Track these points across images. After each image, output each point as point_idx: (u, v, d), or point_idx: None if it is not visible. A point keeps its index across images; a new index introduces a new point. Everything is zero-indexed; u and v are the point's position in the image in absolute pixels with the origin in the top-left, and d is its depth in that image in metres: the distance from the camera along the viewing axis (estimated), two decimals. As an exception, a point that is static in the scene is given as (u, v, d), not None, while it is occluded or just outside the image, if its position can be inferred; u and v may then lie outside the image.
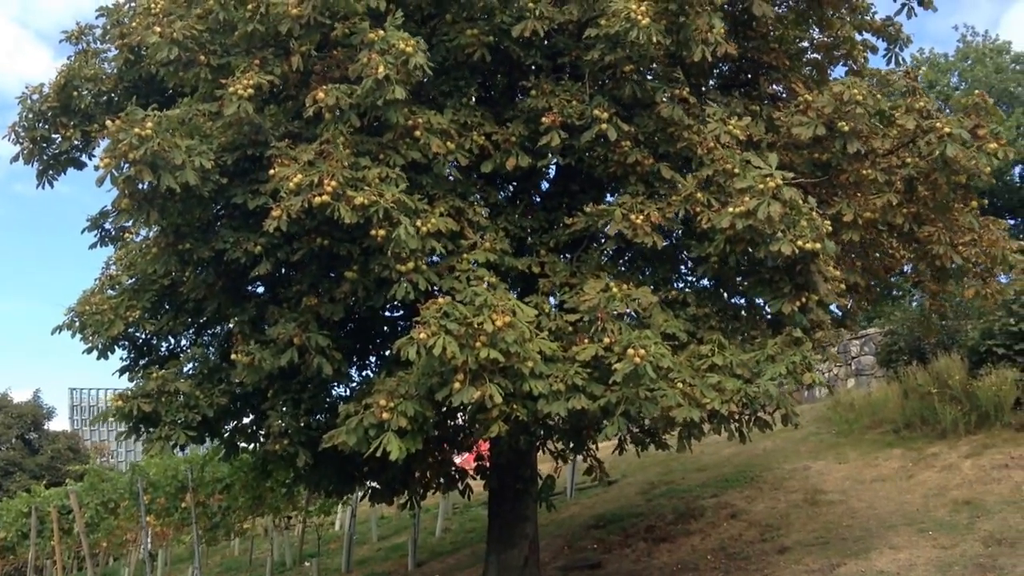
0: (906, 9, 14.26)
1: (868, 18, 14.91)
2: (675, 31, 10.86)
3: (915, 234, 12.95)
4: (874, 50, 15.10)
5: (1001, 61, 38.82)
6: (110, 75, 13.66)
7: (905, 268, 14.63)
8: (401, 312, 13.17)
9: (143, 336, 13.62)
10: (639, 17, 10.29)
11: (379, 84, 9.95)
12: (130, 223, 12.25)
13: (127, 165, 10.07)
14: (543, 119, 11.20)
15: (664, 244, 11.25)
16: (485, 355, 9.43)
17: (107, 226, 14.53)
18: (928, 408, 19.09)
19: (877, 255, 13.75)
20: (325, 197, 9.90)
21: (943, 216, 12.92)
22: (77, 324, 12.90)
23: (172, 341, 14.14)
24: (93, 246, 14.60)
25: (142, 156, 9.83)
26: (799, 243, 10.28)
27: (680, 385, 10.08)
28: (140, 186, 10.29)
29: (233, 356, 11.53)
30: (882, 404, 21.06)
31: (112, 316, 12.67)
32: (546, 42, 12.10)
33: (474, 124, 11.66)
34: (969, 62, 39.34)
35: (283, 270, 12.32)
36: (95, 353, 12.91)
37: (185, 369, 13.01)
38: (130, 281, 13.24)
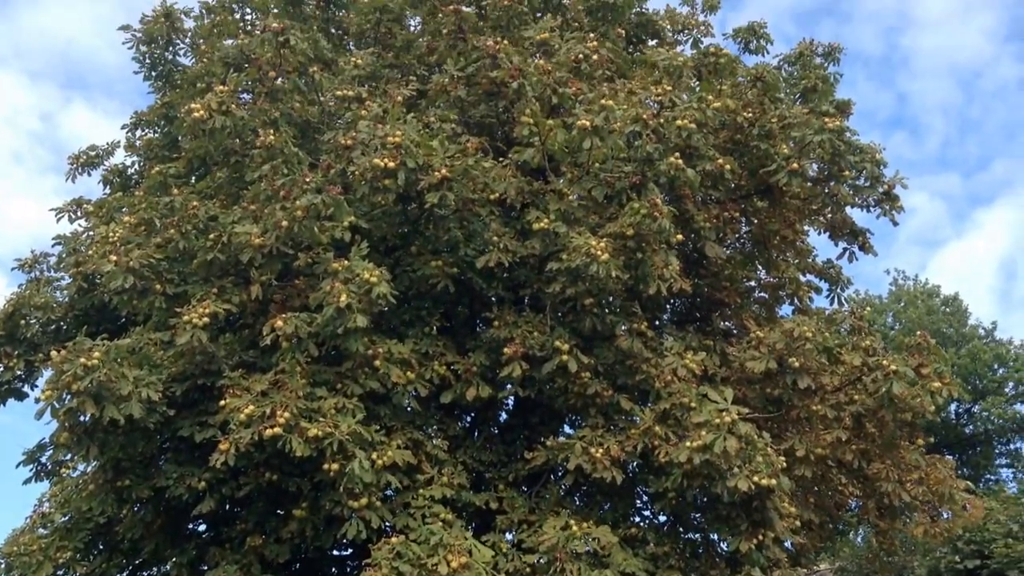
0: (848, 254, 14.82)
1: (811, 261, 15.55)
2: (633, 267, 11.14)
3: (864, 471, 13.01)
4: (818, 290, 15.64)
5: (932, 303, 40.53)
6: (61, 303, 13.44)
7: (852, 504, 14.56)
8: (351, 551, 12.59)
9: (73, 579, 12.72)
10: (599, 253, 10.54)
11: (340, 312, 9.92)
12: (68, 457, 11.77)
13: (69, 396, 9.76)
14: (505, 350, 11.24)
15: (623, 479, 11.06)
16: (438, 600, 8.98)
17: (44, 460, 13.90)
18: (883, 651, 18.60)
19: (828, 491, 13.68)
20: (277, 429, 9.64)
21: (890, 453, 13.06)
22: (3, 566, 12.06)
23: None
24: (28, 481, 13.84)
25: (86, 387, 9.55)
26: (755, 479, 10.30)
27: (639, 630, 9.67)
28: (81, 418, 9.95)
29: (167, 603, 10.82)
30: (839, 647, 20.50)
31: (41, 557, 11.81)
32: (509, 274, 12.30)
33: (435, 354, 11.62)
34: (902, 304, 40.96)
35: (227, 507, 11.79)
36: (19, 598, 12.02)
37: (114, 617, 12.16)
38: (63, 519, 12.45)
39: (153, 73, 16.06)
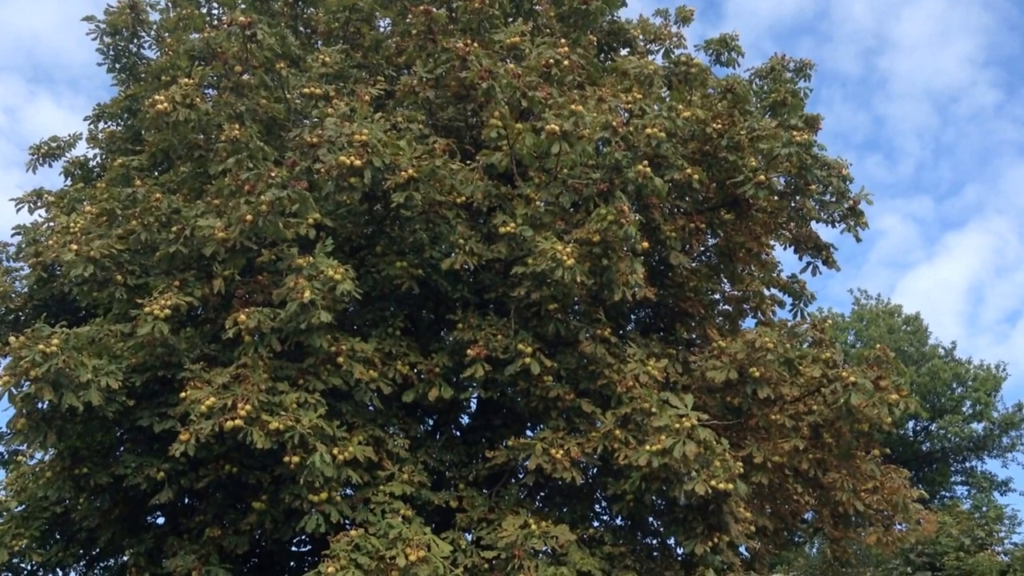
0: (811, 267, 14.98)
1: (775, 275, 15.69)
2: (598, 273, 11.17)
3: (820, 480, 13.13)
4: (781, 304, 15.78)
5: (893, 322, 41.00)
6: (20, 293, 13.34)
7: (808, 515, 14.68)
8: (310, 546, 12.55)
9: (29, 567, 12.55)
10: (564, 258, 10.59)
11: (304, 308, 9.91)
12: (25, 445, 11.66)
13: (27, 383, 9.68)
14: (468, 351, 11.23)
15: (582, 481, 11.13)
16: (396, 591, 9.00)
17: (-1, 449, 13.81)
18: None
19: (784, 499, 13.80)
20: (238, 421, 9.60)
21: (846, 463, 13.18)
22: (-42, 553, 11.91)
23: (60, 573, 13.01)
24: (-18, 469, 13.81)
25: (44, 374, 9.49)
26: (712, 483, 10.40)
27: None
28: (39, 405, 9.89)
29: (125, 592, 10.75)
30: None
31: (-4, 544, 11.75)
32: (474, 277, 12.34)
33: (399, 353, 11.58)
34: (864, 322, 41.38)
35: (186, 499, 11.75)
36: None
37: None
38: (19, 508, 12.38)
39: (117, 65, 15.94)
